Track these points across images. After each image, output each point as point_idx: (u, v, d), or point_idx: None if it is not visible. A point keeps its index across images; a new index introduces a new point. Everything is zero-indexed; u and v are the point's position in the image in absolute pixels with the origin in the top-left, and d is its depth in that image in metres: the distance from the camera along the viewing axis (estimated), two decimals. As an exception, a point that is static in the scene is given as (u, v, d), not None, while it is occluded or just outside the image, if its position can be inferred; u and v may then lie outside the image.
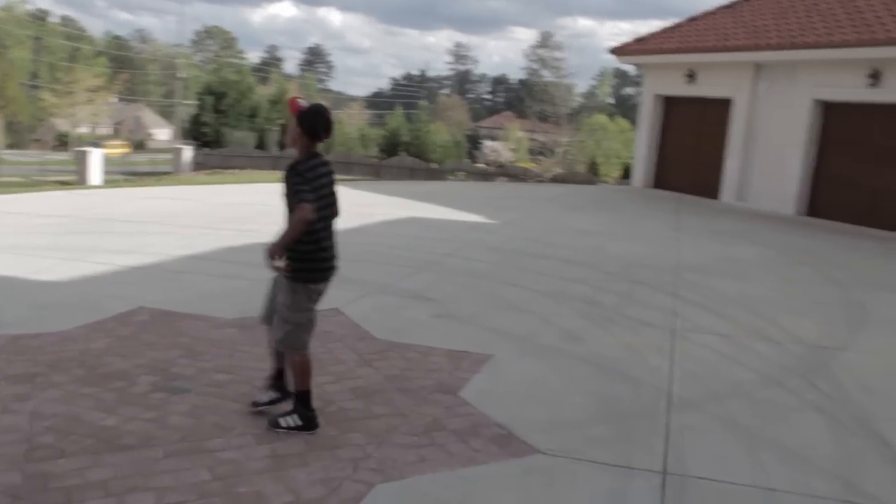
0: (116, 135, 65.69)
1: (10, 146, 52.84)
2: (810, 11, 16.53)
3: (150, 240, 9.55)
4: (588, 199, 17.91)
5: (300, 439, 4.10)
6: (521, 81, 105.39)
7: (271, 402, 4.40)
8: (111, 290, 6.99)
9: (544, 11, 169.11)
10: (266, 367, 5.00)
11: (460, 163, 37.96)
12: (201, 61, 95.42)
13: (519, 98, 77.22)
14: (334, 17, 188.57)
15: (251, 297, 6.87)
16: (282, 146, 36.82)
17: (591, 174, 34.23)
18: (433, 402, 4.79)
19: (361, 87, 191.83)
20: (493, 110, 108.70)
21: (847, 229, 14.37)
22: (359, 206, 12.97)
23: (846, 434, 4.75)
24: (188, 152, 31.78)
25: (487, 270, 8.86)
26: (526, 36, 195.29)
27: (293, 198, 3.94)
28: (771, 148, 16.63)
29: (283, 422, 4.16)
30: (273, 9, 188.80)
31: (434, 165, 33.63)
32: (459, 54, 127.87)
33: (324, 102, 4.38)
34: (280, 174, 4.13)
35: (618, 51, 20.89)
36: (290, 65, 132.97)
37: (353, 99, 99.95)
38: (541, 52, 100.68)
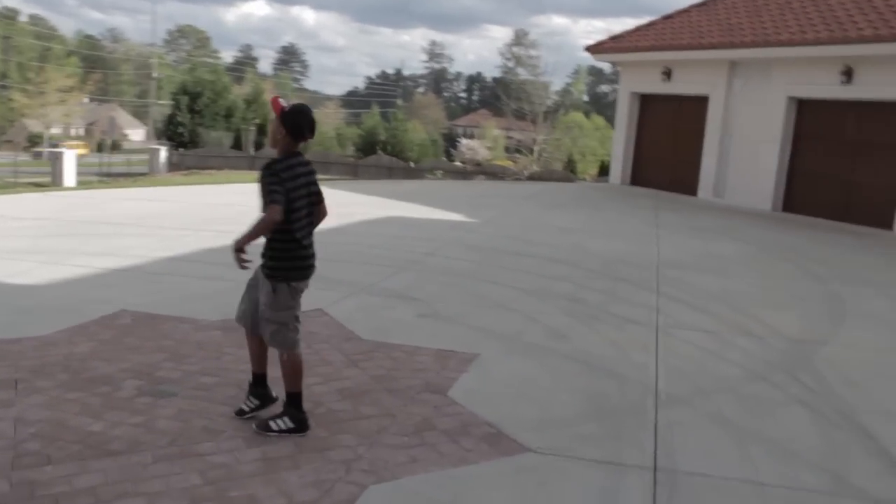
0: (89, 135, 64.95)
1: (-20, 148, 52.08)
2: (783, 10, 16.70)
3: (129, 242, 9.45)
4: (567, 196, 17.98)
5: (290, 441, 4.07)
6: (497, 79, 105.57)
7: (254, 410, 4.35)
8: (92, 294, 6.90)
9: (518, 9, 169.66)
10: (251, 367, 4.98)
11: (437, 161, 37.95)
12: (175, 61, 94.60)
13: (495, 96, 77.33)
14: (308, 15, 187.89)
15: (233, 298, 6.76)
16: (258, 146, 36.61)
17: (569, 172, 34.35)
18: (422, 402, 4.78)
19: (336, 86, 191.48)
20: (468, 108, 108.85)
21: (823, 224, 14.54)
22: (338, 206, 12.90)
23: (831, 427, 4.80)
24: (163, 153, 31.51)
25: (469, 269, 8.86)
26: (500, 34, 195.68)
27: (265, 197, 3.93)
28: (747, 145, 16.79)
29: (273, 424, 4.12)
30: (246, 7, 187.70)
31: (411, 164, 33.59)
32: (434, 52, 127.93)
33: (296, 101, 4.36)
34: (258, 174, 4.10)
35: (593, 49, 20.98)
36: (265, 64, 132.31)
37: (328, 98, 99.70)
38: (516, 50, 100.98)
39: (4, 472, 3.60)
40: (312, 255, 4.23)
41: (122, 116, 72.53)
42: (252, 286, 4.29)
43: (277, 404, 4.33)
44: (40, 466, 3.67)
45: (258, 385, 4.39)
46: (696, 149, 18.03)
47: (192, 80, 39.47)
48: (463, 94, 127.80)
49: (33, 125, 56.74)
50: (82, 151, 41.34)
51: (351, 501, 3.52)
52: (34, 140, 55.51)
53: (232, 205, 13.68)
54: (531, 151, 39.36)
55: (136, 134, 72.80)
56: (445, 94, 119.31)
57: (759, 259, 10.71)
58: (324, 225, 4.43)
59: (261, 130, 39.14)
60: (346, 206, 13.14)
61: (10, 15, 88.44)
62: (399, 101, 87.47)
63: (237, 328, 5.90)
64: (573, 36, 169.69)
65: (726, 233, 12.84)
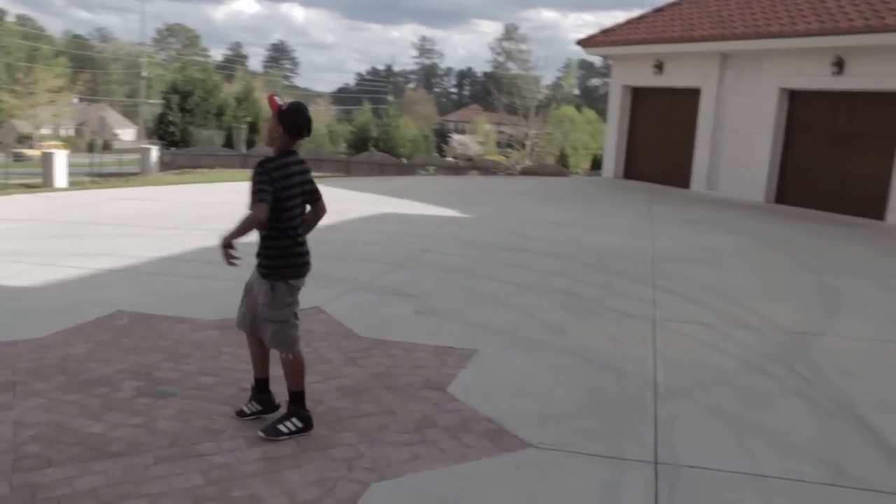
0: (79, 135, 64.65)
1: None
2: (774, 1, 16.72)
3: (123, 242, 9.41)
4: (560, 190, 17.99)
5: (291, 440, 4.07)
6: (487, 74, 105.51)
7: (255, 414, 4.34)
8: (87, 295, 6.88)
9: (508, 4, 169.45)
10: (250, 368, 4.96)
11: (430, 157, 37.89)
12: (164, 60, 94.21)
13: (486, 91, 77.29)
14: (297, 12, 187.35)
15: (230, 297, 6.78)
16: (249, 144, 36.51)
17: (562, 166, 34.36)
18: (422, 398, 4.78)
19: (327, 82, 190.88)
20: (459, 104, 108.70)
21: (816, 216, 14.59)
22: (332, 203, 12.77)
23: (829, 418, 4.82)
24: (155, 152, 31.39)
25: (465, 265, 8.86)
26: (490, 29, 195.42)
27: (253, 196, 3.92)
28: (739, 136, 16.82)
29: (283, 428, 4.09)
30: (235, 5, 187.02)
31: (404, 160, 33.54)
32: (424, 48, 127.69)
33: (292, 99, 4.35)
34: (251, 171, 4.09)
35: (585, 42, 20.99)
36: (255, 62, 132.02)
37: (319, 95, 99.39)
38: (506, 44, 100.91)
39: (5, 476, 3.58)
40: (308, 252, 4.23)
41: (112, 116, 72.23)
42: (249, 290, 4.27)
43: (274, 411, 4.32)
44: (41, 469, 3.66)
45: (261, 391, 4.37)
46: (688, 141, 18.06)
47: (183, 79, 39.31)
48: (454, 90, 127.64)
49: (23, 126, 56.45)
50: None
51: (354, 500, 3.51)
52: (24, 141, 55.21)
53: (225, 203, 13.64)
54: (523, 146, 39.34)
55: (127, 133, 72.52)
56: (436, 89, 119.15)
57: (753, 251, 10.74)
58: (318, 222, 4.43)
59: (252, 128, 39.03)
60: (339, 203, 13.11)
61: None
62: (390, 98, 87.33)
63: (234, 328, 5.91)
64: (563, 30, 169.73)
65: (720, 225, 12.87)
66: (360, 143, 39.09)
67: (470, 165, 32.21)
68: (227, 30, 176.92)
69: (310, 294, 4.28)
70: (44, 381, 4.77)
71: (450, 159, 37.08)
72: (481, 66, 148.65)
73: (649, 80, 19.20)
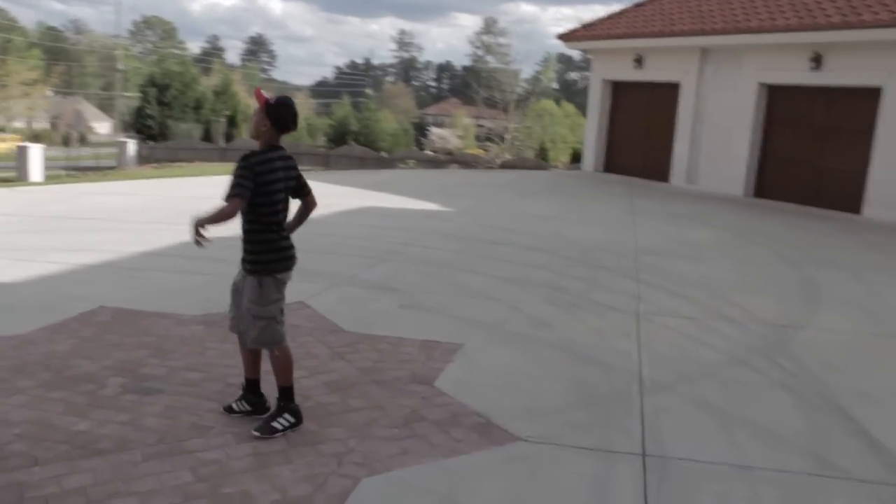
0: (54, 129, 63.84)
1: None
2: (753, -4, 16.84)
3: (103, 237, 9.32)
4: (541, 184, 18.03)
5: (281, 436, 4.05)
6: (466, 68, 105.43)
7: (244, 413, 4.31)
8: (68, 290, 6.81)
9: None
10: (238, 363, 4.94)
11: (409, 151, 37.85)
12: (141, 52, 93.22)
13: (465, 84, 77.29)
14: (275, 5, 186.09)
15: (213, 292, 6.78)
16: (228, 137, 36.26)
17: (542, 159, 34.44)
18: (410, 393, 4.78)
19: (305, 76, 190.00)
20: (438, 97, 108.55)
21: (794, 209, 14.73)
22: (314, 198, 12.81)
23: (812, 410, 4.88)
24: (132, 146, 31.08)
25: (449, 259, 8.87)
26: (469, 22, 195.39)
27: (231, 189, 3.90)
28: (718, 131, 16.94)
29: (277, 425, 4.07)
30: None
31: (383, 154, 33.47)
32: (403, 41, 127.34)
33: (270, 93, 4.33)
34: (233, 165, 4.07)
35: (565, 37, 21.03)
36: (233, 54, 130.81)
37: (297, 88, 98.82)
38: (485, 38, 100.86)
39: (-9, 474, 3.54)
40: (293, 246, 4.23)
41: (88, 109, 71.39)
42: (236, 291, 4.23)
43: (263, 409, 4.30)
44: (28, 468, 3.62)
45: (252, 392, 4.33)
46: (668, 135, 18.17)
47: (161, 72, 38.92)
48: (432, 83, 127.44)
49: (-5, 119, 55.63)
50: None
51: (345, 495, 3.51)
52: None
53: (206, 197, 13.53)
54: (502, 140, 39.38)
55: (102, 127, 71.67)
56: (415, 83, 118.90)
57: (734, 244, 10.83)
58: (309, 216, 4.43)
59: (230, 122, 38.75)
60: (321, 197, 12.90)
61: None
62: (370, 92, 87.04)
63: (219, 322, 5.89)
64: (542, 24, 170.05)
65: (700, 219, 12.96)
66: (339, 136, 38.94)
67: (450, 159, 32.22)
68: (205, 22, 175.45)
69: (294, 288, 4.27)
70: (27, 379, 4.71)
71: (428, 152, 37.05)
72: (460, 60, 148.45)
73: (629, 74, 19.27)
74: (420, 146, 46.42)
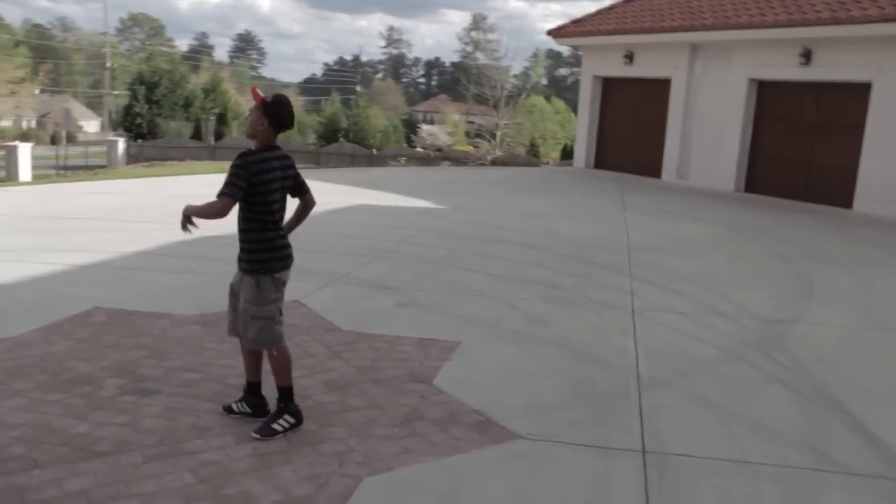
0: (41, 127, 63.45)
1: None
2: (743, -8, 16.88)
3: (96, 237, 9.28)
4: (533, 181, 18.04)
5: (281, 436, 4.05)
6: (455, 64, 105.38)
7: (243, 415, 4.30)
8: (62, 291, 6.77)
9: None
10: (236, 363, 4.94)
11: (400, 148, 37.82)
12: (128, 50, 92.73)
13: (455, 80, 77.21)
14: (263, 1, 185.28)
15: (208, 291, 6.76)
16: (218, 135, 36.12)
17: (533, 156, 34.47)
18: (408, 391, 4.78)
19: (294, 73, 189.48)
20: (427, 94, 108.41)
21: (785, 204, 14.79)
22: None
23: (809, 404, 4.91)
24: (122, 144, 30.93)
25: (443, 256, 8.87)
26: (458, 18, 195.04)
27: (224, 186, 3.91)
28: (709, 126, 16.99)
29: (277, 426, 4.06)
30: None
31: (374, 151, 33.42)
32: (392, 38, 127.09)
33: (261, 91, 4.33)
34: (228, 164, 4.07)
35: (555, 33, 21.04)
36: (221, 52, 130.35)
37: (286, 86, 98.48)
38: (474, 34, 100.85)
39: (-9, 478, 3.53)
40: (290, 245, 4.22)
41: (76, 107, 70.95)
42: (234, 294, 4.22)
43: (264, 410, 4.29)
44: (27, 471, 3.60)
45: (253, 394, 4.32)
46: (659, 131, 18.20)
47: (149, 70, 38.71)
48: (422, 80, 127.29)
49: (-17, 118, 55.21)
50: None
51: (347, 495, 3.51)
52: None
53: (198, 196, 13.43)
54: (493, 136, 39.37)
55: (91, 125, 71.29)
56: (404, 79, 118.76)
57: (726, 240, 10.88)
58: (307, 215, 4.43)
59: (220, 120, 38.60)
60: (314, 194, 13.01)
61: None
62: (360, 89, 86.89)
63: (216, 322, 5.88)
64: (530, 20, 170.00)
65: (692, 214, 13.00)
66: (329, 133, 38.85)
67: (441, 156, 32.20)
68: (192, 19, 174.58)
69: (289, 287, 4.25)
70: (24, 381, 4.69)
71: (419, 149, 37.02)
72: (449, 56, 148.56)
73: (620, 70, 19.29)
74: (410, 143, 46.34)
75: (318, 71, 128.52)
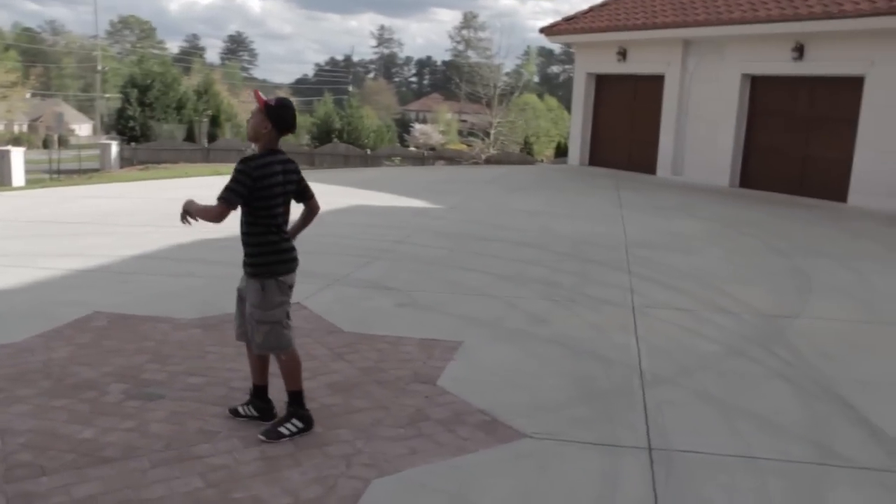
0: (33, 131, 63.23)
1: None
2: (735, -13, 16.92)
3: (92, 241, 9.25)
4: (528, 179, 18.05)
5: (288, 439, 4.05)
6: (447, 63, 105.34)
7: (249, 418, 4.29)
8: (61, 296, 6.76)
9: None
10: (239, 366, 4.94)
11: (394, 148, 37.78)
12: (119, 53, 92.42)
13: (446, 79, 77.21)
14: (254, 3, 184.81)
15: (208, 295, 6.76)
16: (211, 137, 36.02)
17: (527, 154, 34.48)
18: (412, 392, 4.78)
19: (285, 73, 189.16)
20: (420, 93, 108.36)
21: (779, 199, 14.84)
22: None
23: (812, 399, 4.93)
24: (115, 148, 30.82)
25: (441, 256, 8.87)
26: (448, 17, 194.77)
27: (224, 191, 3.91)
28: (703, 122, 17.03)
29: (284, 430, 4.05)
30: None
31: (368, 151, 33.38)
32: (383, 38, 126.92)
33: (250, 92, 4.34)
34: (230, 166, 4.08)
35: (547, 30, 21.05)
36: (212, 53, 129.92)
37: (277, 87, 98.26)
38: (465, 33, 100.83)
39: (-2, 485, 3.52)
40: (294, 248, 4.22)
41: (68, 111, 70.71)
42: (241, 299, 4.22)
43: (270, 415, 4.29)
44: (35, 478, 3.60)
45: (260, 398, 4.31)
46: (653, 128, 18.24)
47: (141, 73, 38.55)
48: (413, 79, 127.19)
49: (-26, 123, 54.98)
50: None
51: (356, 497, 3.51)
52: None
53: (193, 199, 13.45)
54: (487, 135, 39.36)
55: (83, 129, 71.07)
56: (396, 79, 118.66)
57: (722, 235, 10.91)
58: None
59: (213, 122, 38.49)
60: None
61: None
62: (353, 90, 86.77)
63: (217, 326, 5.88)
64: (521, 17, 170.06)
65: (688, 210, 13.03)
66: (323, 134, 38.73)
67: (435, 155, 32.19)
68: (183, 21, 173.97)
69: (290, 290, 4.30)
70: (27, 387, 4.68)
71: (412, 149, 36.99)
72: (441, 55, 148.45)
73: (613, 67, 19.32)
74: (403, 143, 46.28)
75: (309, 71, 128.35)
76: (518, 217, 11.89)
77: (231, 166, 4.61)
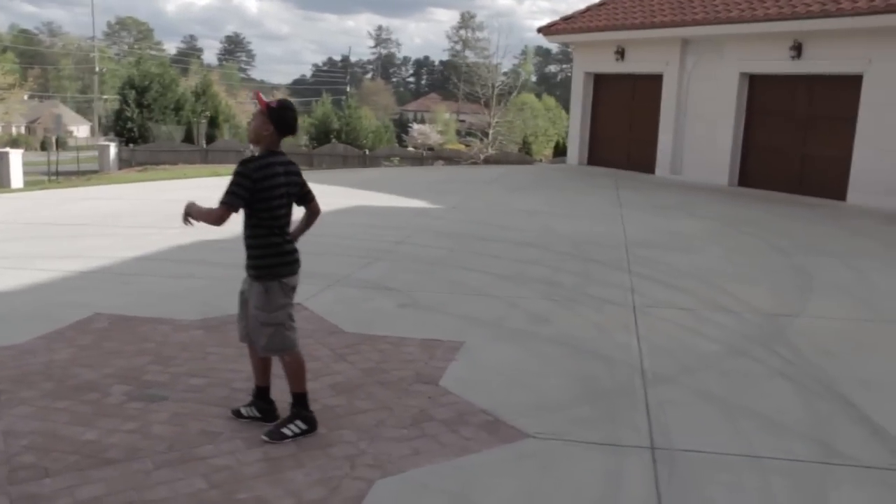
0: (31, 133, 63.23)
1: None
2: (733, -14, 16.92)
3: (92, 242, 9.25)
4: (527, 178, 18.05)
5: (291, 440, 4.05)
6: (445, 63, 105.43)
7: (251, 419, 4.29)
8: (62, 298, 6.75)
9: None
10: (241, 368, 4.94)
11: (392, 148, 37.80)
12: (117, 54, 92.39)
13: (444, 79, 77.26)
14: (251, 3, 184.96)
15: (209, 296, 6.75)
16: (210, 139, 36.03)
17: (525, 154, 34.50)
18: (415, 393, 4.78)
19: (283, 74, 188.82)
20: (417, 93, 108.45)
21: (779, 198, 14.84)
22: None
23: (814, 398, 4.93)
24: (113, 149, 30.82)
25: (442, 256, 8.87)
26: (446, 17, 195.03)
27: (224, 194, 3.91)
28: (702, 121, 17.03)
29: (288, 431, 4.05)
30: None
31: (366, 152, 33.39)
32: (381, 38, 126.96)
33: (249, 93, 4.35)
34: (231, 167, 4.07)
35: (545, 30, 21.05)
36: (210, 54, 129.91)
37: (275, 87, 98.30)
38: (462, 32, 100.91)
39: (2, 488, 3.51)
40: (297, 250, 4.22)
41: (66, 113, 70.68)
42: (244, 301, 4.21)
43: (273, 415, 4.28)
44: (38, 480, 3.59)
45: (262, 399, 4.31)
46: (652, 127, 18.23)
47: (139, 74, 38.57)
48: (411, 79, 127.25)
49: (-28, 125, 54.98)
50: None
51: (360, 497, 3.51)
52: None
53: (195, 200, 13.44)
54: (485, 134, 39.38)
55: (81, 130, 71.04)
56: (394, 79, 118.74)
57: (722, 234, 10.91)
58: (313, 224, 4.43)
59: (212, 123, 38.49)
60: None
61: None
62: (352, 90, 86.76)
63: (219, 327, 5.88)
64: (518, 17, 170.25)
65: (687, 209, 13.04)
66: (321, 135, 38.75)
67: (434, 155, 32.20)
68: (180, 22, 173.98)
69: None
70: (29, 389, 4.67)
71: (410, 149, 37.01)
72: (438, 55, 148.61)
73: (611, 66, 19.33)
74: (401, 143, 46.28)
75: (307, 72, 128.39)
76: (518, 217, 11.89)
77: (230, 167, 4.61)
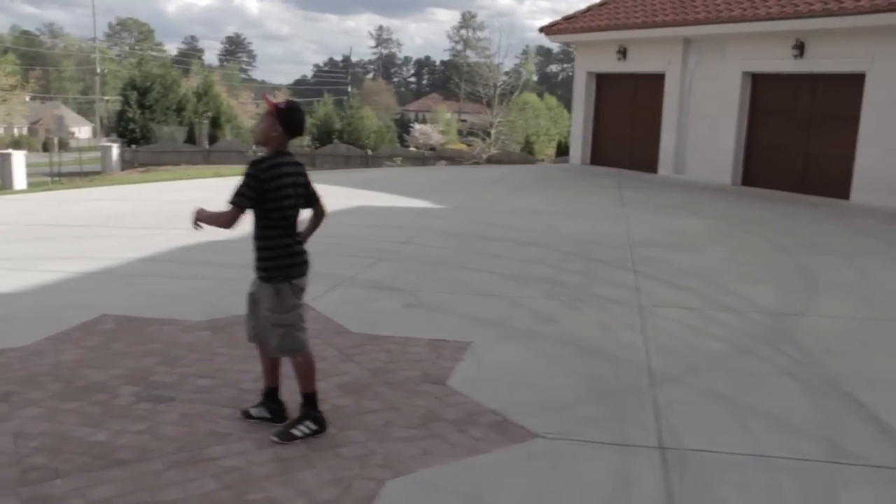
0: (33, 134, 63.25)
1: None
2: (735, -15, 16.92)
3: (96, 243, 9.26)
4: (530, 178, 18.05)
5: (301, 441, 4.05)
6: (446, 63, 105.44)
7: (261, 419, 4.29)
8: (68, 299, 6.76)
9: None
10: (249, 368, 4.95)
11: (395, 148, 37.80)
12: (118, 55, 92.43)
13: (445, 79, 77.26)
14: (251, 4, 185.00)
15: (215, 297, 6.76)
16: (212, 139, 36.03)
17: (528, 153, 34.48)
18: (423, 393, 4.79)
19: (284, 74, 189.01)
20: (419, 93, 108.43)
21: (782, 197, 14.84)
22: (305, 198, 12.77)
23: (821, 397, 4.94)
24: (116, 150, 30.84)
25: (446, 256, 8.88)
26: (447, 17, 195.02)
27: (233, 196, 3.91)
28: (704, 120, 17.03)
29: (297, 432, 4.05)
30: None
31: (369, 152, 33.39)
32: (382, 38, 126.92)
33: (251, 93, 4.36)
34: (242, 168, 4.07)
35: (547, 30, 21.05)
36: (211, 55, 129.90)
37: (276, 88, 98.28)
38: (463, 32, 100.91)
39: (13, 489, 3.52)
40: (306, 251, 4.23)
41: (67, 114, 70.69)
42: (254, 302, 4.22)
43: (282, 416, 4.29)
44: (50, 481, 3.60)
45: (272, 399, 4.31)
46: (654, 126, 18.24)
47: (141, 75, 38.58)
48: (412, 79, 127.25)
49: (-27, 126, 54.99)
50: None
51: (371, 498, 3.52)
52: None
53: (196, 201, 13.44)
54: (487, 134, 39.36)
55: (83, 131, 71.07)
56: (395, 79, 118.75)
57: (726, 233, 10.91)
58: (319, 226, 4.43)
59: (214, 123, 38.50)
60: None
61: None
62: (353, 91, 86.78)
63: (226, 328, 5.88)
64: (519, 17, 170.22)
65: (691, 209, 13.04)
66: (323, 135, 38.73)
67: (436, 155, 32.20)
68: (181, 23, 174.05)
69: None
70: (38, 390, 4.68)
71: (412, 149, 37.00)
72: (439, 55, 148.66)
73: (613, 66, 19.33)
74: (403, 143, 46.27)
75: (308, 72, 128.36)
76: (521, 216, 11.90)
77: (232, 168, 4.63)
